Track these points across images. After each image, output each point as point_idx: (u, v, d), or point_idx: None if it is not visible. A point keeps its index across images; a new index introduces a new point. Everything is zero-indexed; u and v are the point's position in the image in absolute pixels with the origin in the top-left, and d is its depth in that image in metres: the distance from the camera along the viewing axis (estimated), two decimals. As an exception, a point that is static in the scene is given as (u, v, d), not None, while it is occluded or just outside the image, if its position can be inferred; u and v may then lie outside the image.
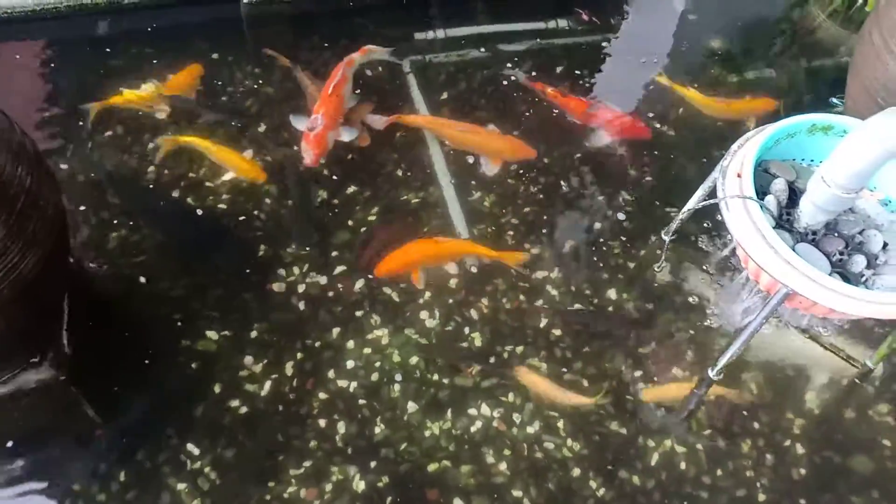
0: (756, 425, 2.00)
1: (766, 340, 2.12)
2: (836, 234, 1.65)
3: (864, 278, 1.60)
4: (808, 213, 1.58)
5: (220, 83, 2.61)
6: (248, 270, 2.19)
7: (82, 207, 2.28)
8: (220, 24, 2.76)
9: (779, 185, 1.67)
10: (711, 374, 1.93)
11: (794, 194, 1.66)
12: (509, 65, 2.71)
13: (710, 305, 2.15)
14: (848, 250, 1.63)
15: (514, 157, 2.48)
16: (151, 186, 2.36)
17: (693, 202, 1.84)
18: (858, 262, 1.60)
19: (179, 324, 2.09)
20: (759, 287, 1.73)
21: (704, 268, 2.21)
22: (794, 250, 1.54)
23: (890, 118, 1.33)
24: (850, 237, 1.65)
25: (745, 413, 2.01)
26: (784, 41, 2.91)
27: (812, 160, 1.80)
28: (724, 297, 2.13)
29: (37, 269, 1.37)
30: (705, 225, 2.27)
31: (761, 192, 1.67)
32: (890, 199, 1.76)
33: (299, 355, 2.06)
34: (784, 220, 1.66)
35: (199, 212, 2.31)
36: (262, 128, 2.52)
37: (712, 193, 1.72)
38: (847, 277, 1.59)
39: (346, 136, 2.41)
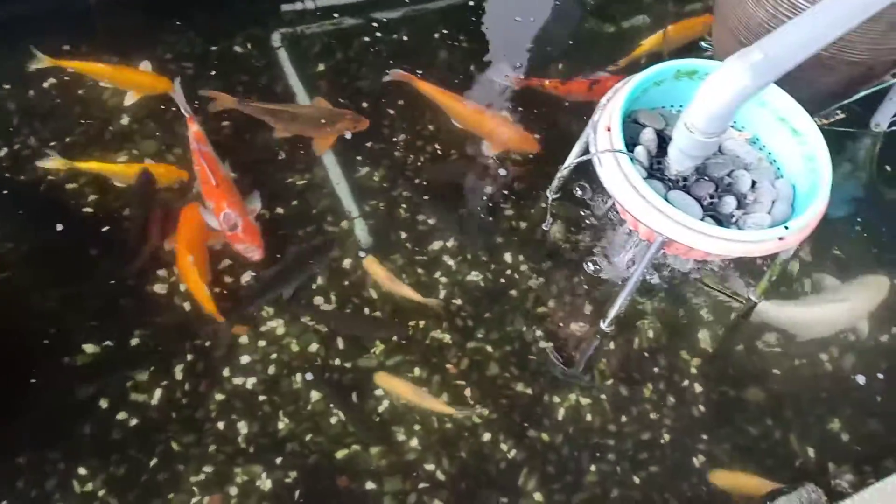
0: (655, 369, 2.05)
1: (659, 287, 2.16)
2: (706, 178, 1.67)
3: (734, 219, 1.64)
4: (677, 160, 1.60)
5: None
6: (124, 275, 2.06)
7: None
8: (66, 14, 2.53)
9: (648, 135, 1.68)
10: (603, 326, 1.96)
11: (664, 142, 1.67)
12: (505, 73, 2.58)
13: (600, 258, 2.18)
14: (718, 192, 1.67)
15: (517, 148, 2.36)
16: (6, 193, 2.17)
17: (570, 159, 1.83)
18: (729, 204, 1.64)
19: (54, 340, 1.95)
20: (640, 237, 1.75)
21: (592, 222, 2.22)
22: (666, 198, 1.56)
23: (740, 60, 1.34)
24: (719, 179, 1.68)
25: (644, 357, 2.05)
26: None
27: (681, 106, 1.81)
28: (611, 249, 2.16)
29: None
30: (590, 179, 2.28)
31: (632, 144, 1.67)
32: (758, 138, 1.80)
33: (189, 357, 1.96)
34: (655, 170, 1.67)
35: (65, 217, 2.14)
36: (124, 120, 2.35)
37: (588, 149, 1.71)
38: (720, 219, 1.63)
39: (257, 203, 2.18)
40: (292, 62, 2.54)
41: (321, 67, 2.55)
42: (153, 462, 1.81)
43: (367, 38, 2.65)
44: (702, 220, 1.54)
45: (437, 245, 2.21)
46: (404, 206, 2.28)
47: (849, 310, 2.11)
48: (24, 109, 2.35)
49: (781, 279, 2.16)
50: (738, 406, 2.02)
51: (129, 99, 2.36)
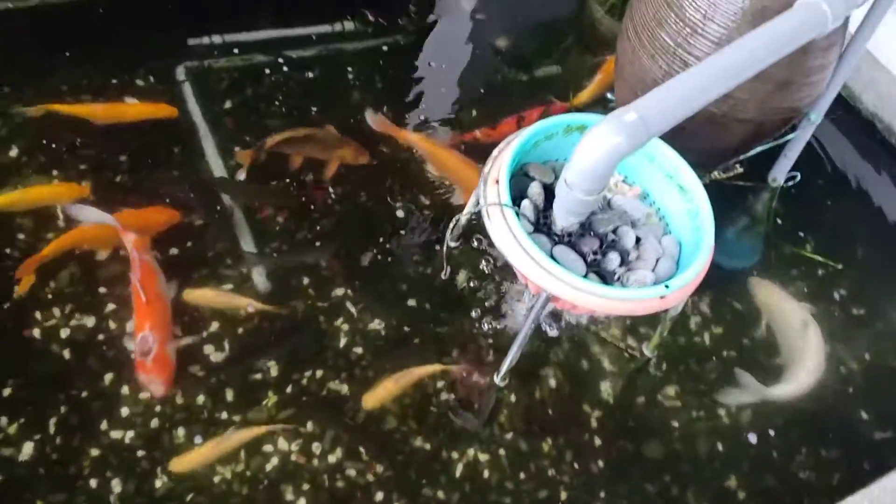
0: (556, 422, 2.00)
1: (561, 337, 2.14)
2: (591, 234, 1.66)
3: (616, 276, 1.62)
4: (560, 216, 1.58)
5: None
6: (-1, 318, 1.93)
7: None
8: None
9: (535, 189, 1.66)
10: (497, 379, 1.92)
11: (552, 196, 1.65)
12: (432, 123, 2.56)
13: (502, 308, 2.14)
14: (602, 249, 1.65)
15: None
16: None
17: (466, 209, 1.80)
18: (612, 260, 1.62)
19: (-89, 391, 1.81)
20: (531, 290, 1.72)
21: (494, 271, 2.19)
22: (551, 253, 1.53)
23: (614, 120, 1.33)
24: (604, 235, 1.67)
25: (546, 409, 2.01)
26: (568, 38, 2.97)
27: (575, 159, 1.81)
28: (511, 299, 2.13)
29: None
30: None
31: (522, 197, 1.65)
32: (648, 193, 1.81)
33: (63, 409, 1.84)
34: (542, 224, 1.65)
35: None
36: (13, 152, 2.24)
37: (483, 200, 1.68)
38: (604, 276, 1.61)
39: (186, 339, 2.02)
40: (196, 98, 2.47)
41: (228, 104, 2.48)
42: (15, 525, 1.68)
43: (276, 76, 2.59)
44: (585, 276, 1.52)
45: (339, 291, 2.14)
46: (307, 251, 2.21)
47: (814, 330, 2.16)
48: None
49: (677, 332, 2.17)
50: (637, 461, 1.99)
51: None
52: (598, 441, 2.00)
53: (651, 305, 1.52)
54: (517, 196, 1.63)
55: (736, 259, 2.38)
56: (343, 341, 2.06)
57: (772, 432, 2.06)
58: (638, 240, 1.67)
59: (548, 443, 1.98)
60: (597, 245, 1.64)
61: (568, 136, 1.72)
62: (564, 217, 1.56)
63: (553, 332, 2.09)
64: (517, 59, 2.85)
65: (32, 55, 2.48)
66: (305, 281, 2.15)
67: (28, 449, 1.77)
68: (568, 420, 2.02)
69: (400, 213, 2.32)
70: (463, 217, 1.78)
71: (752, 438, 2.05)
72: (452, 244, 2.02)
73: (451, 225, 1.78)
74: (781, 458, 2.03)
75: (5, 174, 2.20)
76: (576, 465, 1.95)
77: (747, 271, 2.35)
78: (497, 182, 1.57)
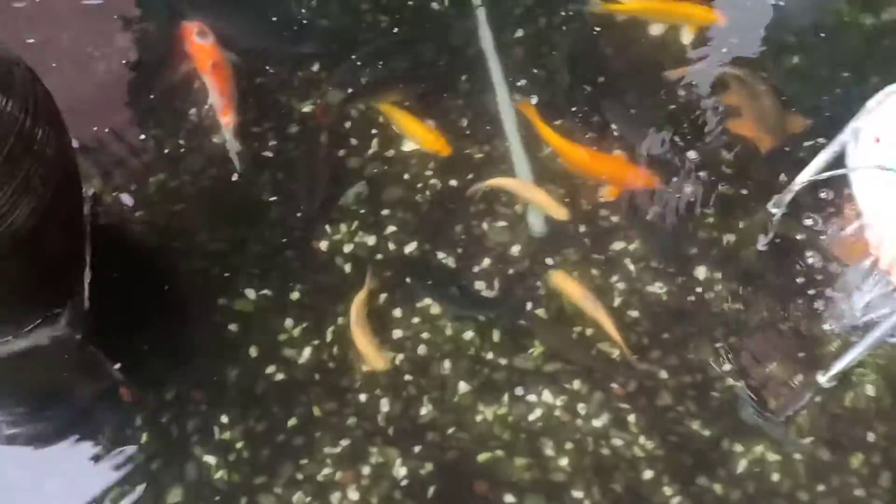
0: (871, 437, 1.72)
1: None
2: None
3: None
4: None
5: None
6: (292, 226, 2.00)
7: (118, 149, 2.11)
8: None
9: (935, 153, 1.32)
10: (822, 380, 1.63)
11: (953, 164, 1.31)
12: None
13: (823, 295, 1.84)
14: None
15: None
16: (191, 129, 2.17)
17: (812, 171, 1.51)
18: None
19: (216, 280, 1.93)
20: (891, 280, 1.40)
21: (819, 249, 1.87)
22: (952, 238, 1.21)
23: None
24: None
25: (858, 419, 1.73)
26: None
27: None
28: (840, 286, 1.80)
29: (32, 221, 1.21)
30: (822, 196, 1.92)
31: (908, 161, 1.33)
32: None
33: (341, 321, 1.87)
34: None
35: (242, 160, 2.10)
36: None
37: (839, 161, 1.40)
38: None
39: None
40: (490, 24, 2.36)
41: (519, 33, 2.34)
42: (292, 422, 1.75)
43: (574, 5, 2.39)
44: None
45: (618, 245, 1.97)
46: (586, 195, 2.04)
47: None
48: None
49: None
50: (975, 503, 1.63)
51: (686, 37, 2.31)
52: (923, 468, 1.66)
53: None
54: (897, 160, 1.31)
55: None
56: (618, 301, 1.89)
57: None
58: None
59: (858, 458, 1.70)
60: None
61: (984, 89, 1.35)
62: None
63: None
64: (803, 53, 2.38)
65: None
66: (582, 229, 2.00)
67: (307, 353, 1.83)
68: (888, 437, 1.70)
69: (720, 179, 2.03)
70: (801, 181, 1.50)
71: None
72: (777, 211, 1.73)
73: (789, 188, 1.49)
74: None
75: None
76: (892, 491, 1.66)
77: None
78: (878, 140, 1.27)
